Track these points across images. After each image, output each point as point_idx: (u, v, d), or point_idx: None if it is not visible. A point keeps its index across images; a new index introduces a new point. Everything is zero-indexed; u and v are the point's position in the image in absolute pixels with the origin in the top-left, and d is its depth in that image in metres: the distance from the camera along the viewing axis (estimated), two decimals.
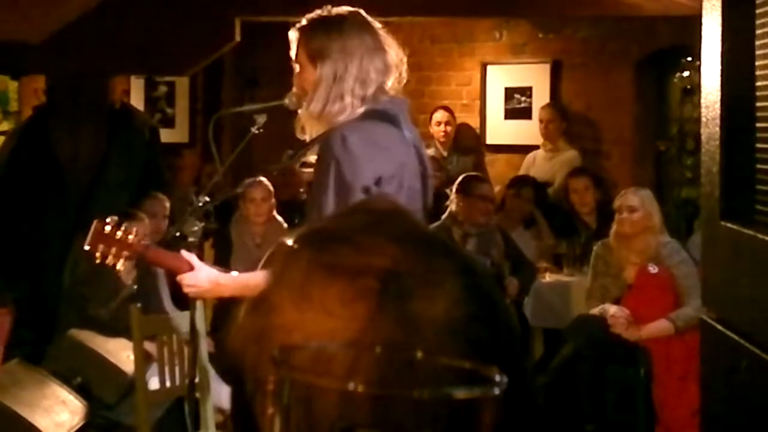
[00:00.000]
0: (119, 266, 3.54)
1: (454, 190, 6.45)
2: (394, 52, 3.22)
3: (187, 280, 3.35)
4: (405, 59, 3.24)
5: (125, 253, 3.46)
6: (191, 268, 3.34)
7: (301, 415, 0.65)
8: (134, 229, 3.52)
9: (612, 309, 5.79)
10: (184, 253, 3.40)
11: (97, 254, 3.47)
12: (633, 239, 5.88)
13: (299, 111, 3.26)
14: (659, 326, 5.65)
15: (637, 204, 5.87)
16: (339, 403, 0.64)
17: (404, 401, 0.63)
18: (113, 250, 3.45)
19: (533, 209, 7.44)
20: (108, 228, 3.47)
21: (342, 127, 3.10)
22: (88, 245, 3.48)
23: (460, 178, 6.57)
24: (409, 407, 0.63)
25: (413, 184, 3.19)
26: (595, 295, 6.01)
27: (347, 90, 3.13)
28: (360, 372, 0.70)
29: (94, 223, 3.51)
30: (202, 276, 3.34)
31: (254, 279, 3.52)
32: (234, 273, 3.58)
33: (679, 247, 5.89)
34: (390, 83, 3.20)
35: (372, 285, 0.79)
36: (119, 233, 3.47)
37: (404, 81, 3.24)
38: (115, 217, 3.53)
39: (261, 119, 3.40)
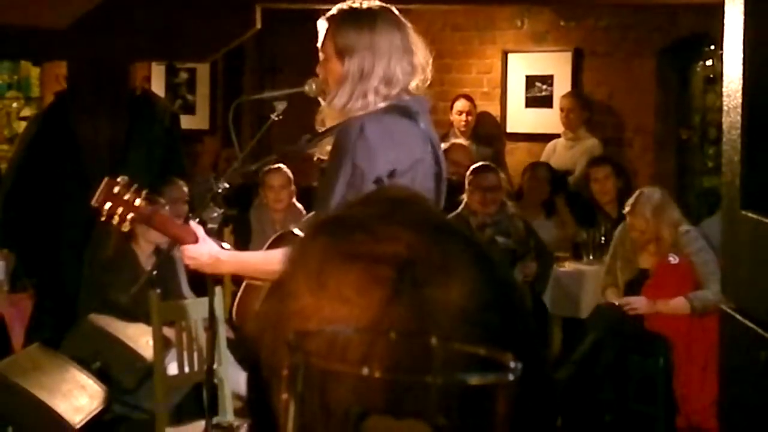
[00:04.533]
0: (123, 228, 3.44)
1: (466, 181, 6.49)
2: (422, 54, 3.19)
3: (188, 251, 3.29)
4: (431, 61, 3.22)
5: (131, 215, 3.36)
6: (196, 239, 3.28)
7: (316, 400, 0.65)
8: (143, 192, 3.39)
9: (627, 299, 5.83)
10: (192, 223, 3.34)
11: (103, 212, 3.37)
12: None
13: (321, 102, 3.25)
14: (676, 304, 5.67)
15: (644, 227, 5.87)
16: (353, 389, 0.64)
17: (418, 387, 0.63)
18: (120, 210, 3.35)
19: (554, 195, 7.43)
20: (117, 188, 3.36)
21: (362, 117, 3.08)
22: (95, 202, 3.37)
23: (469, 170, 6.59)
24: (423, 393, 0.63)
25: (426, 182, 3.16)
26: (611, 271, 6.05)
27: (371, 88, 3.11)
28: (375, 358, 0.69)
29: (105, 180, 3.40)
30: (203, 250, 3.28)
31: (254, 259, 3.51)
32: (234, 251, 3.56)
33: (698, 235, 5.87)
34: (414, 84, 3.18)
35: (388, 272, 0.79)
36: (128, 194, 3.36)
37: (428, 83, 3.22)
38: (126, 177, 3.42)
39: (281, 106, 3.39)
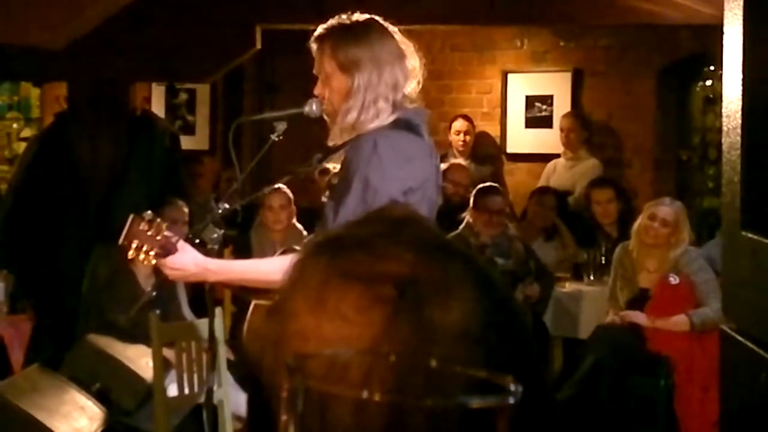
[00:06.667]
0: (147, 263, 3.43)
1: (471, 202, 6.50)
2: (412, 58, 3.25)
3: (169, 262, 3.24)
4: (420, 64, 3.26)
5: (155, 250, 3.33)
6: (175, 249, 3.24)
7: (316, 422, 0.64)
8: (164, 226, 3.36)
9: (627, 312, 5.84)
10: (167, 233, 3.30)
11: (131, 251, 3.34)
12: (654, 248, 5.88)
13: (327, 121, 3.26)
14: (676, 320, 5.67)
15: (671, 219, 5.84)
16: (353, 411, 0.64)
17: (419, 410, 0.63)
18: (145, 246, 3.33)
19: (555, 218, 7.43)
20: (142, 224, 3.33)
21: (373, 134, 3.12)
22: (122, 241, 3.35)
23: (474, 191, 6.60)
24: (423, 416, 0.63)
25: (433, 195, 3.24)
26: (613, 296, 6.06)
27: (381, 95, 3.16)
28: (375, 380, 0.69)
29: (130, 217, 3.37)
30: (187, 259, 3.23)
31: (241, 267, 3.50)
32: (221, 260, 3.54)
33: (698, 255, 5.88)
34: (410, 89, 3.23)
35: (388, 292, 0.79)
36: (151, 230, 3.34)
37: (420, 86, 3.27)
38: (150, 213, 3.39)
39: (281, 127, 3.39)
